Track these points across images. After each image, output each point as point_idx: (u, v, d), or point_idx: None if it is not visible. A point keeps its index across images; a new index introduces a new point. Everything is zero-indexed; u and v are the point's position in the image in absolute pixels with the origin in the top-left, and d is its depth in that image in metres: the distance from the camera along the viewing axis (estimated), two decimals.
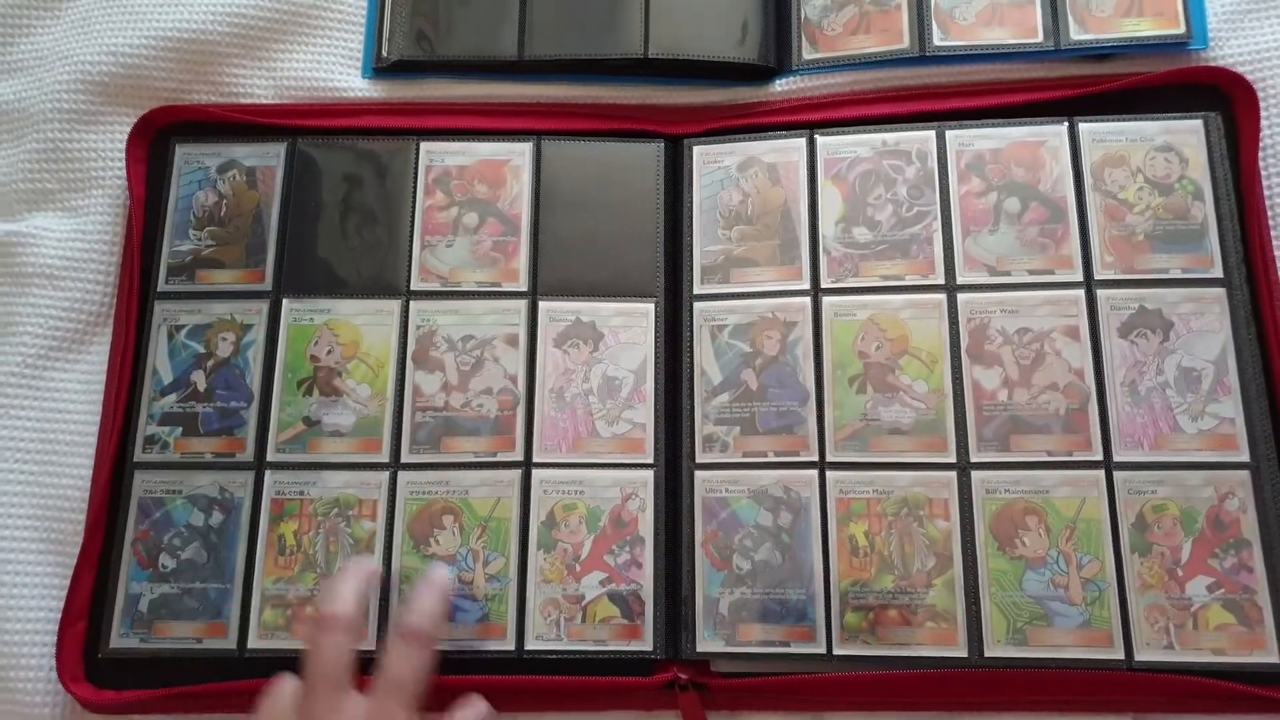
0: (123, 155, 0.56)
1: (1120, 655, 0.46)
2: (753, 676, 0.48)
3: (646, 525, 0.50)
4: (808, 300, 0.52)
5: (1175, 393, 0.49)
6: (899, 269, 0.52)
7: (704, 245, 0.54)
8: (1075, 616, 0.46)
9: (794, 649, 0.48)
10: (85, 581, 0.50)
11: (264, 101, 0.58)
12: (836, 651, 0.47)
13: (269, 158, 0.57)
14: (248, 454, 0.52)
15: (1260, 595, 0.46)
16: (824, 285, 0.52)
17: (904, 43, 0.56)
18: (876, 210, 0.53)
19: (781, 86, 0.57)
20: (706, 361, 0.52)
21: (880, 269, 0.52)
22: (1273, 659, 0.45)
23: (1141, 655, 0.46)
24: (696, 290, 0.53)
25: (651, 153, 0.56)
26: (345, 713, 0.43)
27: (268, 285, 0.55)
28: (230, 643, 0.50)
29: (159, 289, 0.55)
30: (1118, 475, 0.48)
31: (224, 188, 0.56)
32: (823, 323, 0.52)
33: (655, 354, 0.53)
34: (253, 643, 0.50)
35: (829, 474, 0.50)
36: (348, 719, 0.43)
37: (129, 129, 0.56)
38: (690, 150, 0.55)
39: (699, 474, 0.51)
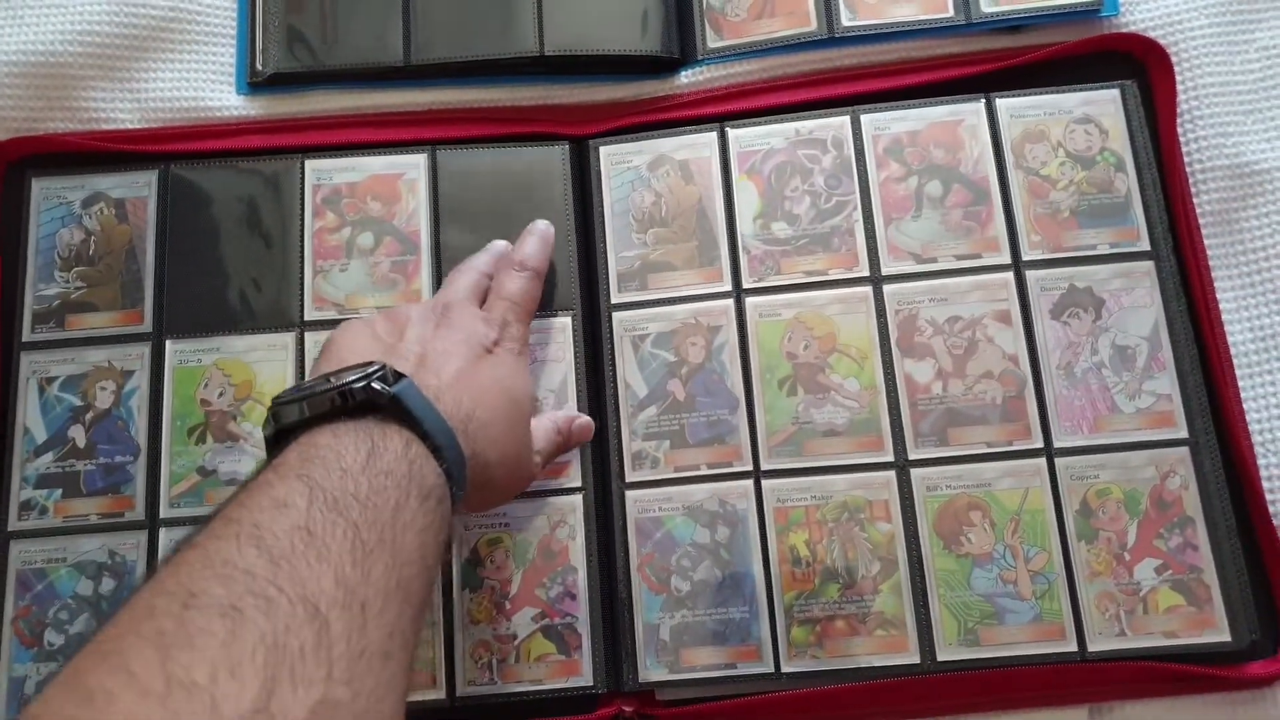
0: None
1: (1074, 647, 0.45)
2: (700, 702, 0.45)
3: (578, 553, 0.47)
4: (730, 302, 0.50)
5: (1111, 372, 0.47)
6: (822, 263, 0.50)
7: (618, 251, 0.51)
8: (1026, 611, 0.45)
9: (741, 670, 0.45)
10: None
11: (129, 127, 0.53)
12: (785, 669, 0.45)
13: (139, 187, 0.52)
14: (138, 512, 0.48)
15: (1207, 573, 0.45)
16: (746, 285, 0.50)
17: (811, 25, 0.53)
18: (794, 203, 0.51)
19: (687, 78, 0.54)
20: (630, 374, 0.49)
21: (802, 265, 0.50)
22: (1224, 637, 0.44)
23: (1095, 645, 0.45)
24: (614, 299, 0.50)
25: (555, 156, 0.52)
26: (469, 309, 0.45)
27: (147, 326, 0.50)
28: None
29: (24, 339, 0.50)
30: (1059, 462, 0.46)
31: (90, 223, 0.52)
32: (747, 325, 0.49)
33: (576, 370, 0.50)
34: None
35: (765, 483, 0.47)
36: (471, 314, 0.44)
37: None
38: (596, 151, 0.52)
39: (630, 494, 0.48)
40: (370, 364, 0.37)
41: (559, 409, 0.49)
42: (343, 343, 0.41)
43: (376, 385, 0.36)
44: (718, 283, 0.50)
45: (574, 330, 0.50)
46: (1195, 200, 0.50)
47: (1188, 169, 0.51)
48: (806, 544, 0.46)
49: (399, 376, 0.37)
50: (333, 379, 0.36)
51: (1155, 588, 0.45)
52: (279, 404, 0.36)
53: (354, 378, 0.36)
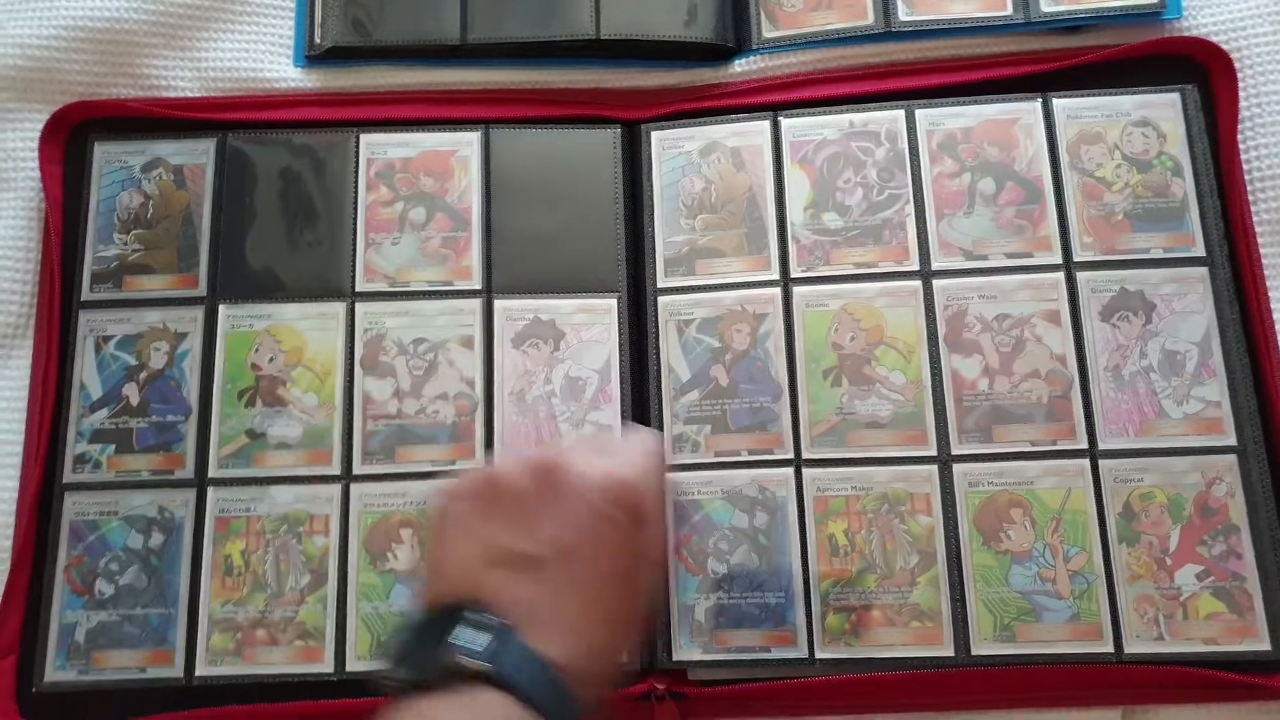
0: (35, 155, 0.52)
1: (1110, 649, 0.45)
2: (732, 684, 0.46)
3: None
4: (778, 291, 0.50)
5: (1159, 377, 0.47)
6: (872, 255, 0.50)
7: (666, 236, 0.51)
8: (1063, 610, 0.45)
9: (774, 654, 0.46)
10: (15, 612, 0.48)
11: (189, 95, 0.54)
12: (819, 655, 0.46)
13: (197, 155, 0.53)
14: (187, 470, 0.49)
15: (1250, 582, 0.45)
16: (794, 275, 0.50)
17: (868, 18, 0.53)
18: (846, 195, 0.51)
19: (741, 66, 0.54)
20: (674, 358, 0.50)
21: (852, 256, 0.50)
22: (1264, 646, 0.44)
23: (1131, 648, 0.44)
24: (660, 284, 0.51)
25: (607, 139, 0.53)
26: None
27: (202, 291, 0.51)
28: (177, 670, 0.47)
29: (83, 298, 0.51)
30: (1103, 464, 0.46)
31: (150, 188, 0.52)
32: (794, 314, 0.49)
33: (620, 352, 0.50)
34: (201, 669, 0.47)
35: (805, 472, 0.48)
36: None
37: (41, 127, 0.52)
38: (648, 135, 0.53)
39: (670, 476, 0.48)
40: (468, 613, 0.35)
41: (603, 389, 0.49)
42: (448, 553, 0.38)
43: (469, 662, 0.33)
44: (765, 270, 0.50)
45: (619, 312, 0.50)
46: (1253, 208, 0.50)
47: (1246, 176, 0.50)
48: (845, 533, 0.47)
49: (503, 628, 0.34)
50: (428, 649, 0.35)
51: (1196, 593, 0.45)
52: (380, 677, 0.35)
53: (452, 648, 0.34)
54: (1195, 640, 0.44)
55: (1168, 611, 0.45)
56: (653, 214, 0.52)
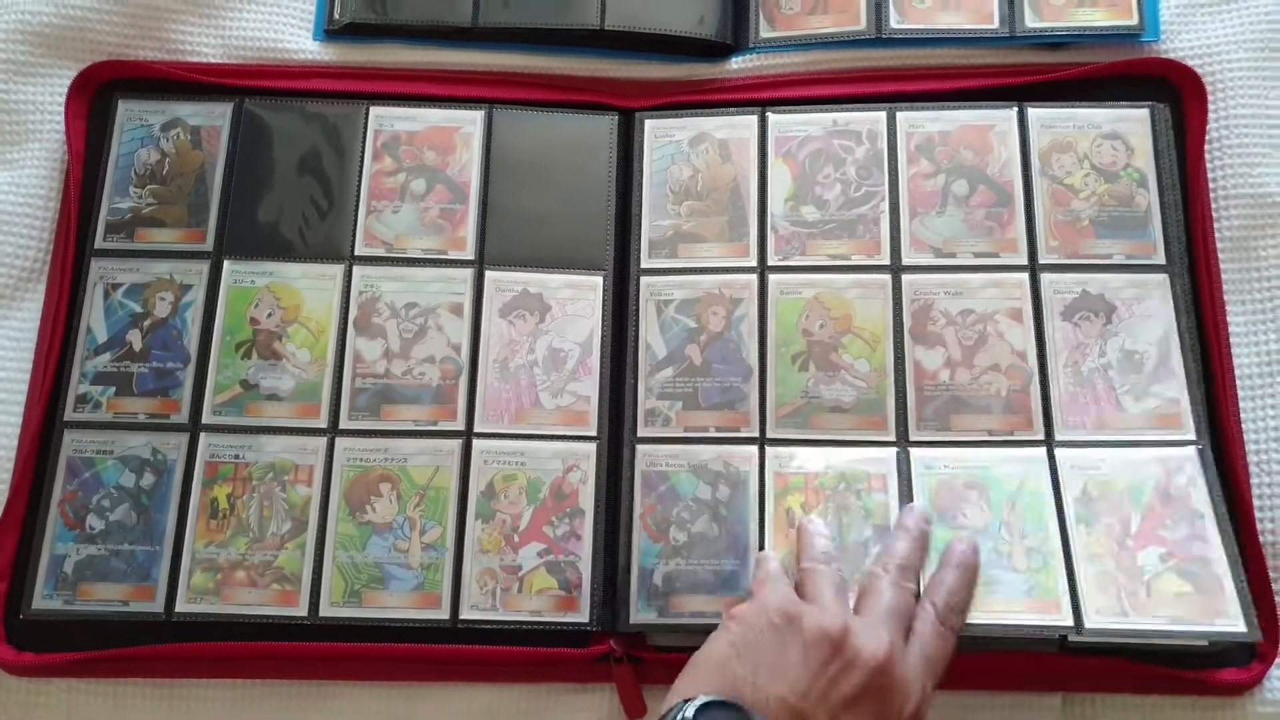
0: (62, 109, 0.55)
1: (1069, 621, 0.45)
2: (689, 650, 0.47)
3: (587, 498, 0.50)
4: (754, 278, 0.52)
5: (1117, 374, 0.49)
6: (845, 248, 0.52)
7: (653, 219, 0.54)
8: (1019, 584, 0.45)
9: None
10: (8, 542, 0.49)
11: (211, 60, 0.57)
12: None
13: (215, 117, 0.56)
14: (182, 416, 0.51)
15: (1217, 565, 0.45)
16: (770, 263, 0.52)
17: (861, 24, 0.56)
18: (825, 189, 0.53)
19: (737, 64, 0.56)
20: (651, 335, 0.52)
21: (827, 248, 0.52)
22: (1239, 627, 0.44)
23: (1092, 623, 0.45)
24: (644, 264, 0.53)
25: (604, 125, 0.55)
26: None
27: (208, 246, 0.54)
28: (158, 606, 0.49)
29: (96, 246, 0.54)
30: (1059, 452, 0.48)
31: (167, 146, 0.55)
32: (768, 300, 0.51)
33: (602, 327, 0.52)
34: (181, 606, 0.49)
35: (769, 450, 0.49)
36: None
37: (69, 82, 0.55)
38: (642, 123, 0.55)
39: (640, 448, 0.50)
40: None
41: (583, 361, 0.51)
42: (705, 663, 0.41)
43: None
44: (744, 257, 0.52)
45: (604, 289, 0.53)
46: (1215, 224, 0.52)
47: (1211, 194, 0.52)
48: (802, 506, 0.48)
49: None
50: None
51: (1160, 574, 0.45)
52: None
53: None
54: (1161, 618, 0.44)
55: (1130, 589, 0.45)
56: (641, 198, 0.54)
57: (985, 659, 0.46)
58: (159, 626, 0.48)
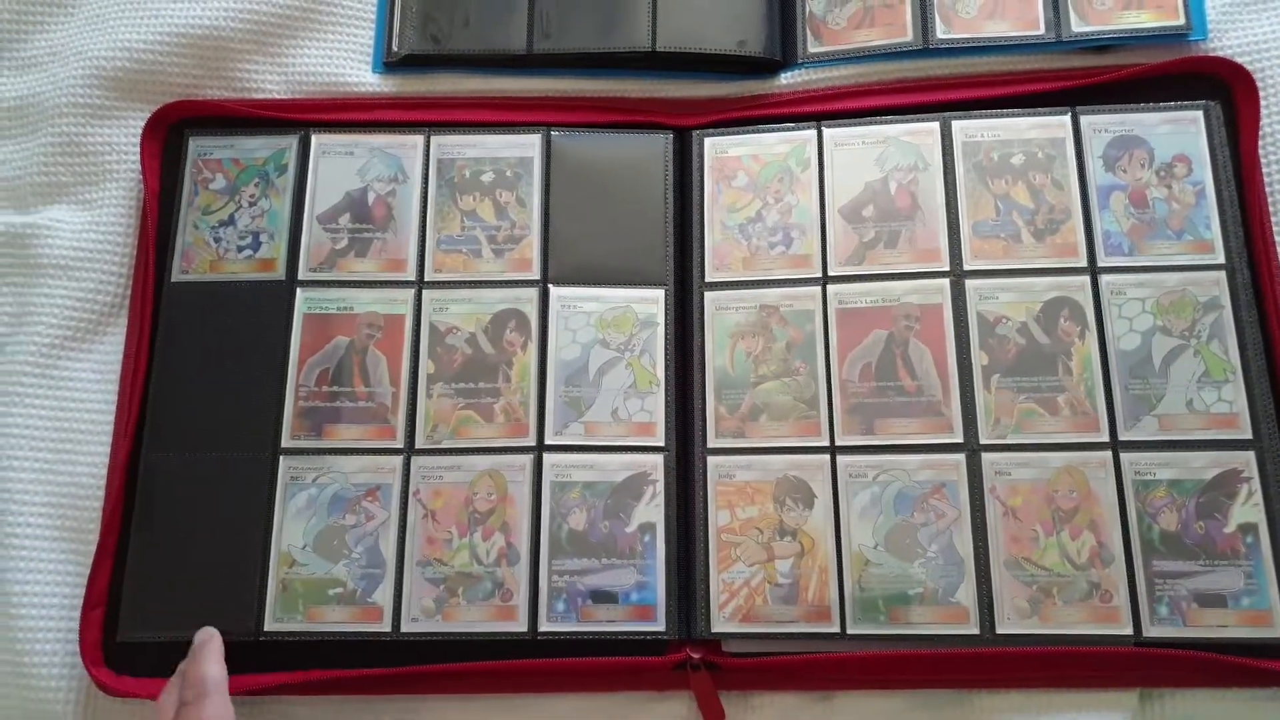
0: (136, 148, 0.57)
1: (1129, 631, 0.46)
2: (765, 656, 0.48)
3: (657, 509, 0.51)
4: (817, 289, 0.53)
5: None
6: (905, 258, 0.53)
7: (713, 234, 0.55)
8: (1079, 590, 0.47)
9: (807, 628, 0.48)
10: (104, 568, 0.51)
11: (276, 96, 0.59)
12: (850, 631, 0.48)
13: (281, 150, 0.57)
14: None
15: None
16: (831, 274, 0.53)
17: (907, 36, 0.57)
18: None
19: (787, 80, 0.58)
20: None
21: (886, 257, 0.53)
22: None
23: (1150, 632, 0.46)
24: (708, 278, 0.54)
25: (660, 144, 0.57)
26: None
27: (280, 275, 0.55)
28: (249, 626, 0.50)
29: (173, 279, 0.55)
30: (1124, 456, 0.48)
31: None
32: (828, 311, 0.52)
33: (665, 341, 0.53)
34: (269, 625, 0.50)
35: (839, 458, 0.50)
36: None
37: (142, 123, 0.57)
38: (700, 141, 0.56)
39: (711, 459, 0.51)
40: None
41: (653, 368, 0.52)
42: None
43: None
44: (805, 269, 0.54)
45: (665, 303, 0.54)
46: (1274, 219, 0.52)
47: (1267, 189, 0.53)
48: None
49: None
50: None
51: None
52: None
53: None
54: (1212, 626, 0.46)
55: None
56: (703, 214, 0.55)
57: (1062, 652, 0.46)
58: (250, 646, 0.50)
